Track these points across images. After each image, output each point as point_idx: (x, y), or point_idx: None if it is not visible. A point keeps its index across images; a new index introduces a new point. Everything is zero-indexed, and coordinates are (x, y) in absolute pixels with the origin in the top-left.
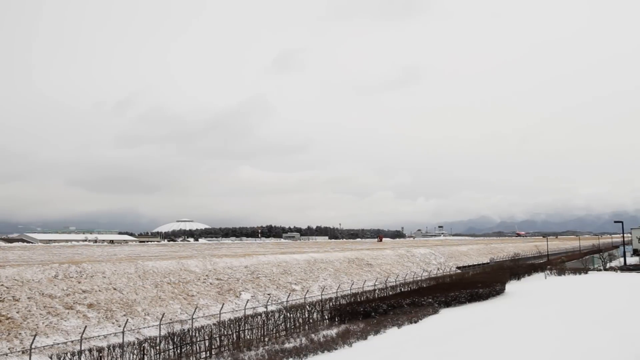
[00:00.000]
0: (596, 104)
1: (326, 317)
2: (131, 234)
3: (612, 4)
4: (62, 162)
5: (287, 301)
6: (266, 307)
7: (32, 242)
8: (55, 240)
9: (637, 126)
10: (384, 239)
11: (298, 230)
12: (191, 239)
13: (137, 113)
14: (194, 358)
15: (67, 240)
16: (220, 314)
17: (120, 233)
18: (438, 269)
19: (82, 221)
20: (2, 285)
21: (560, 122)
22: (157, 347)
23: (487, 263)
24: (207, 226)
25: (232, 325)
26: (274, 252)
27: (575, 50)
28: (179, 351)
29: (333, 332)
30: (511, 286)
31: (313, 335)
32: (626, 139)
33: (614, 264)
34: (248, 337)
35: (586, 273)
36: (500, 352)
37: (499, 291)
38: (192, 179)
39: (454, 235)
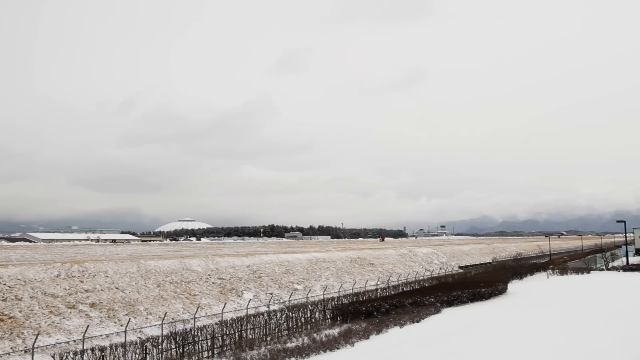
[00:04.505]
0: (598, 103)
1: (328, 316)
2: (133, 234)
3: (615, 2)
4: (65, 162)
5: (289, 301)
6: (268, 307)
7: (34, 242)
8: (57, 240)
9: None
10: (386, 239)
11: (300, 229)
12: (193, 239)
13: (141, 113)
14: (196, 357)
15: (69, 240)
16: (222, 313)
17: (122, 232)
18: (440, 269)
19: (85, 220)
20: (4, 284)
21: (562, 122)
22: (159, 347)
23: (490, 263)
24: (209, 225)
25: (234, 325)
26: (276, 252)
27: (577, 50)
28: (181, 350)
29: (335, 331)
30: (513, 286)
31: (315, 334)
32: (628, 139)
33: (616, 263)
34: (250, 336)
35: (588, 273)
36: (503, 352)
37: (501, 291)
38: (195, 178)
39: (456, 234)
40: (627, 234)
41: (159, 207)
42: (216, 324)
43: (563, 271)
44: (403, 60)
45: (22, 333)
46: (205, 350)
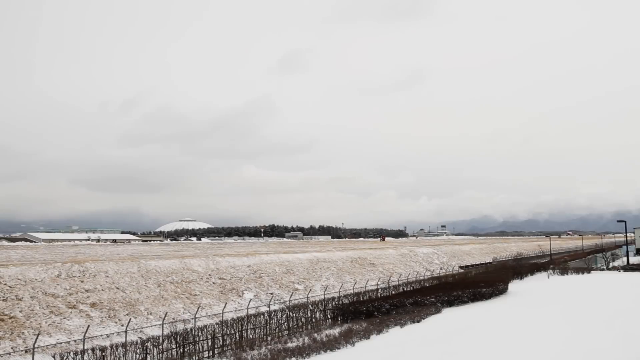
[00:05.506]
0: (598, 103)
1: (329, 316)
2: (134, 234)
3: (615, 2)
4: (65, 162)
5: (289, 300)
6: (269, 307)
7: (35, 242)
8: (58, 240)
9: None
10: (386, 239)
11: (301, 229)
12: (194, 239)
13: (141, 113)
14: (197, 357)
15: (70, 240)
16: (222, 313)
17: (123, 232)
18: (441, 269)
19: (85, 220)
20: (5, 284)
21: (562, 122)
22: (160, 347)
23: (490, 262)
24: (209, 225)
25: (234, 325)
26: (276, 252)
27: (577, 50)
28: (181, 350)
29: (336, 331)
30: (514, 286)
31: (316, 334)
32: (629, 138)
33: (616, 263)
34: (251, 336)
35: (589, 272)
36: (503, 352)
37: (502, 291)
38: (196, 178)
39: (456, 234)
40: (628, 234)
41: (160, 207)
42: (217, 323)
43: (564, 271)
44: (403, 60)
45: (23, 333)
46: (205, 350)
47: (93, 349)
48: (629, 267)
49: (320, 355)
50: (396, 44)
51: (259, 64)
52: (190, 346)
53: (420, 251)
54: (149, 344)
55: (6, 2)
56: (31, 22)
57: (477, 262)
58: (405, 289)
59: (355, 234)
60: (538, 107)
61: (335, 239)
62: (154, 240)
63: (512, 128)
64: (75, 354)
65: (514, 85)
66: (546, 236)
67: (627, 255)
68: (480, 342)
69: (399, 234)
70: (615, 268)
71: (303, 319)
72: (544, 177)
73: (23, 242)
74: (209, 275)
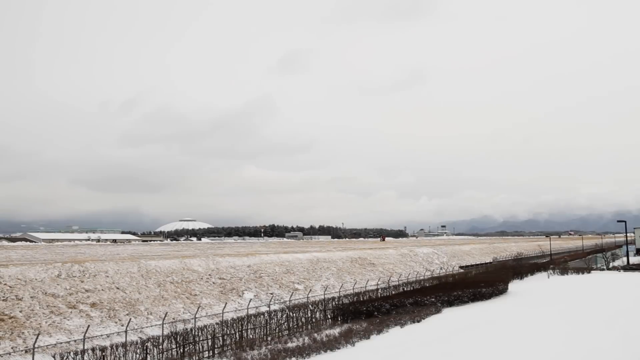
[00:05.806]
0: (598, 103)
1: (329, 316)
2: (134, 234)
3: (615, 2)
4: (66, 162)
5: (289, 300)
6: (269, 307)
7: (35, 242)
8: (58, 240)
9: None
10: (386, 239)
11: (301, 229)
12: (194, 239)
13: (142, 113)
14: (197, 357)
15: (70, 240)
16: (223, 313)
17: (123, 232)
18: (441, 269)
19: (85, 220)
20: (5, 284)
21: (562, 122)
22: (160, 347)
23: (490, 262)
24: (210, 225)
25: (234, 325)
26: (276, 252)
27: (577, 50)
28: (181, 350)
29: (336, 331)
30: (514, 286)
31: (316, 334)
32: (629, 138)
33: (616, 263)
34: (251, 336)
35: (589, 272)
36: (503, 352)
37: (502, 291)
38: (196, 178)
39: (456, 234)
40: (628, 234)
41: (160, 207)
42: (217, 323)
43: (564, 271)
44: (403, 60)
45: (23, 333)
46: (205, 350)
47: (93, 349)
48: (629, 267)
49: (320, 355)
50: (396, 44)
51: (259, 64)
52: (190, 346)
53: (420, 251)
54: (149, 344)
55: (6, 2)
56: (31, 22)
57: (477, 262)
58: (405, 289)
59: (356, 234)
60: (538, 107)
61: (336, 239)
62: (154, 240)
63: (512, 128)
64: (75, 354)
65: (514, 85)
66: (546, 236)
67: (627, 255)
68: (480, 342)
69: (399, 234)
70: (615, 268)
71: (303, 319)
72: (544, 177)
73: (23, 242)
74: (209, 275)
